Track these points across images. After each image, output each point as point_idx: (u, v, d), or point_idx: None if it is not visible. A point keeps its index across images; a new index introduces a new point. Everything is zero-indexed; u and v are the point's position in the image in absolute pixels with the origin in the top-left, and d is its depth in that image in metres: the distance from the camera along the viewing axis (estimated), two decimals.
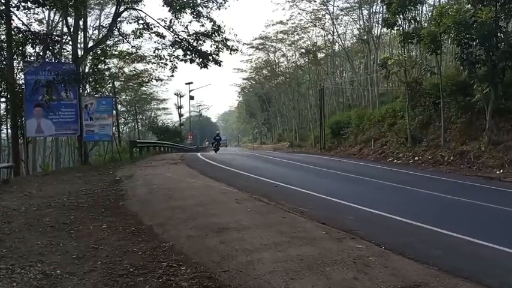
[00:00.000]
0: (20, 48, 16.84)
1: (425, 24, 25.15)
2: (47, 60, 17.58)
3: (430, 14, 27.51)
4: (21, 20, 16.90)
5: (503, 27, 17.67)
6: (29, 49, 17.40)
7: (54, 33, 22.53)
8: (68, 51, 23.18)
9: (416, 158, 20.04)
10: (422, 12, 27.86)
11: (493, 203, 9.06)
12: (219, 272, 4.36)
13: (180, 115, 52.27)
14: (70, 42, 20.18)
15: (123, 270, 4.51)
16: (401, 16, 21.77)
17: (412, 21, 22.38)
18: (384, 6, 24.43)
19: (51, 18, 28.46)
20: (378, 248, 5.11)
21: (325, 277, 4.11)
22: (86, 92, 22.20)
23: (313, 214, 7.06)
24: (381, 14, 30.36)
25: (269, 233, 5.69)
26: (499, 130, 17.25)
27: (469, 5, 18.37)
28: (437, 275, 4.18)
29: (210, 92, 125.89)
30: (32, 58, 17.08)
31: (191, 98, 51.94)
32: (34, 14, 18.46)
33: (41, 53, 17.28)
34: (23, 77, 17.28)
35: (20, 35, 16.62)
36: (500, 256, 5.30)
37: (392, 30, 25.80)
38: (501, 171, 15.00)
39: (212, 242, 5.37)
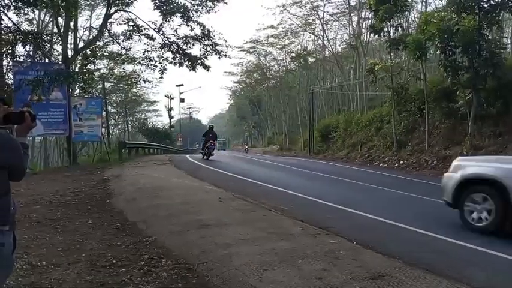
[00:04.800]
0: (10, 48, 16.87)
1: (414, 31, 25.63)
2: (37, 60, 17.61)
3: (418, 20, 28.03)
4: (11, 20, 16.93)
5: (486, 35, 18.11)
6: (19, 49, 17.44)
7: (44, 33, 22.55)
8: (57, 51, 23.20)
9: (401, 162, 20.44)
10: (409, 19, 28.48)
11: None
12: (197, 264, 4.60)
13: (171, 117, 52.40)
14: (60, 43, 20.23)
15: (106, 262, 4.72)
16: (388, 23, 22.21)
17: (399, 28, 22.87)
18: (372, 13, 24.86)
19: (42, 19, 28.50)
20: (349, 243, 5.38)
21: (296, 268, 4.37)
22: (75, 92, 22.26)
23: (293, 212, 7.30)
24: (369, 20, 30.87)
25: (248, 229, 5.94)
26: (481, 135, 17.69)
27: (453, 14, 18.83)
28: (401, 267, 4.45)
29: (201, 94, 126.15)
30: (22, 58, 17.11)
31: (182, 100, 52.10)
32: (24, 14, 18.44)
33: (31, 53, 17.31)
34: (12, 76, 17.29)
35: (9, 35, 16.65)
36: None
37: (380, 37, 26.27)
38: None
39: (193, 237, 5.60)
